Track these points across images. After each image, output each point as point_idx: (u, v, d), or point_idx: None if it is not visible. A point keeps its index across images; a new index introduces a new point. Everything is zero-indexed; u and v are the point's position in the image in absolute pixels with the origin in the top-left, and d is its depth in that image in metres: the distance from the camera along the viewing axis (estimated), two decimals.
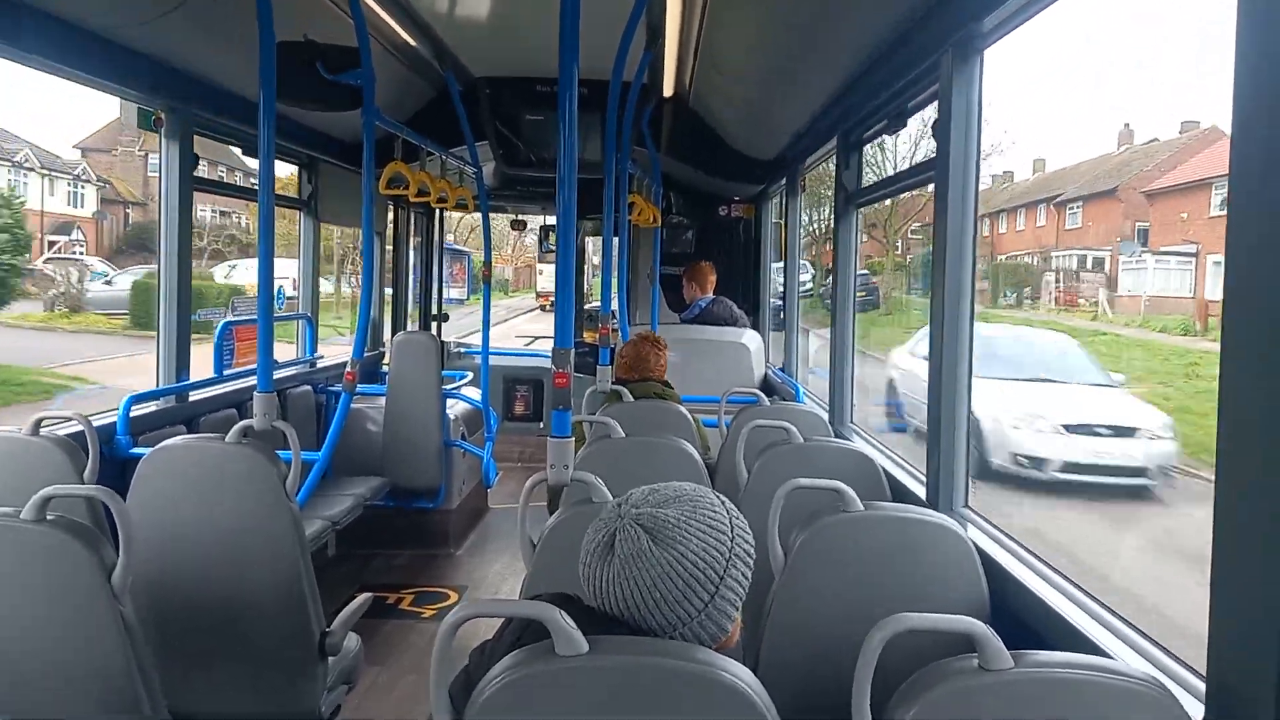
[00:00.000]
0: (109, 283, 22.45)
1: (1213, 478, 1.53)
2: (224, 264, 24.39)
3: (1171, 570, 5.99)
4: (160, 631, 2.75)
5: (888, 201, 17.09)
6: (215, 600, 2.83)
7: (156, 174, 4.41)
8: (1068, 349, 9.60)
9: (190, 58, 4.19)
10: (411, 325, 7.78)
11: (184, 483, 2.85)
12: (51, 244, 27.96)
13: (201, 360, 4.65)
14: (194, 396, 4.52)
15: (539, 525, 2.41)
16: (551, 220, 8.45)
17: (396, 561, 5.85)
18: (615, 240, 5.51)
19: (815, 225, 12.54)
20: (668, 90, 6.19)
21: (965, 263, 2.84)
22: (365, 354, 5.31)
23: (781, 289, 6.72)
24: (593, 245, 10.25)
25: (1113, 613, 2.08)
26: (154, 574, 2.77)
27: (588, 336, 7.67)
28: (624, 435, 3.19)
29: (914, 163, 3.37)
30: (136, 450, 3.77)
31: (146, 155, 30.51)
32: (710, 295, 6.53)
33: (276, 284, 4.10)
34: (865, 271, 18.16)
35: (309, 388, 5.80)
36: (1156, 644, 1.91)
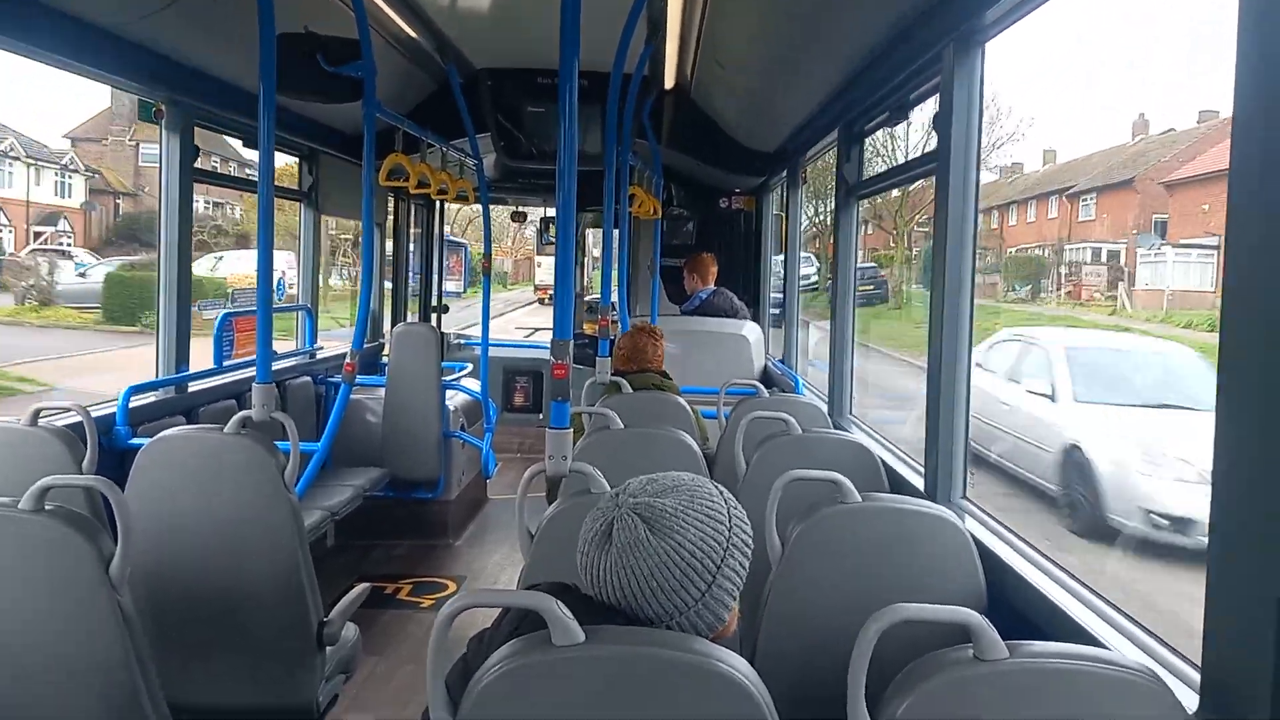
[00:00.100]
0: (83, 275, 21.77)
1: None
2: (209, 255, 23.12)
3: None
4: (158, 622, 2.75)
5: (896, 193, 17.04)
6: (214, 591, 2.84)
7: (149, 164, 4.41)
8: (1183, 360, 7.15)
9: (191, 50, 4.19)
10: (411, 317, 7.79)
11: (183, 473, 2.85)
12: (37, 235, 27.69)
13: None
14: (193, 387, 4.52)
15: (537, 516, 2.41)
16: (552, 212, 8.43)
17: (395, 552, 5.87)
18: (615, 232, 5.51)
19: (820, 218, 12.46)
20: (669, 82, 6.18)
21: (965, 254, 2.85)
22: (365, 345, 5.31)
23: (782, 281, 6.72)
24: (593, 237, 10.24)
25: (1109, 603, 2.09)
26: (152, 564, 2.78)
27: (587, 328, 7.68)
28: (623, 426, 3.20)
29: (925, 151, 3.35)
30: (135, 441, 3.77)
31: (138, 145, 30.31)
32: (711, 286, 6.53)
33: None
34: (873, 264, 18.08)
35: (308, 379, 5.81)
36: (1152, 634, 1.92)
